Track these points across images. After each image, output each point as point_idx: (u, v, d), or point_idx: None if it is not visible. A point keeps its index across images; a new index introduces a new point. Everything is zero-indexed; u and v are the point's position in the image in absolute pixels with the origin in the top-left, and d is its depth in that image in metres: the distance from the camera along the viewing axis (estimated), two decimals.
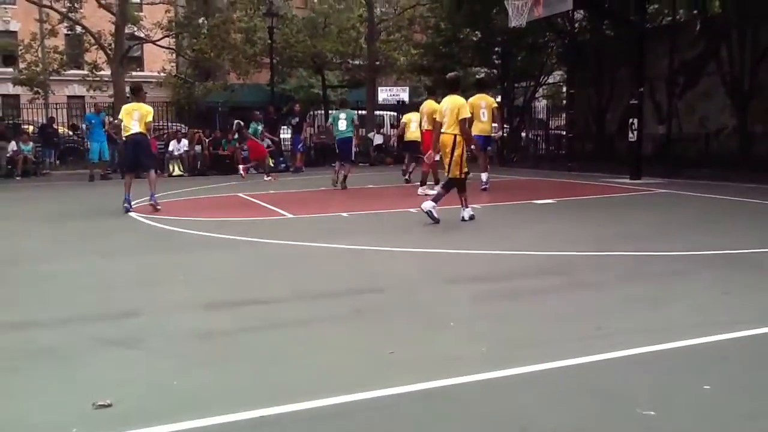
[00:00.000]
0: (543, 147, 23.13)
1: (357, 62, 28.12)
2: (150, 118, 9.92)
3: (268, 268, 6.04)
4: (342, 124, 12.99)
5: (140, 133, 9.78)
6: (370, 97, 25.32)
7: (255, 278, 5.64)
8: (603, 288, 4.99)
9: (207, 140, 19.57)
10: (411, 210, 9.54)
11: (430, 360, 3.50)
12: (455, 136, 8.05)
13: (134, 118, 9.68)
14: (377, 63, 26.28)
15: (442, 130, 8.18)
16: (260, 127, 17.52)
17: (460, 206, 8.31)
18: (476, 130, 10.89)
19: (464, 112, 8.06)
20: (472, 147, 8.70)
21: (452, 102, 8.15)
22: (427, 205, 8.07)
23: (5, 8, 29.72)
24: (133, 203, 10.03)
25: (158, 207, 9.90)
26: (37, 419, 2.88)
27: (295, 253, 6.73)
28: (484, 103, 11.51)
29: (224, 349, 3.78)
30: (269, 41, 22.01)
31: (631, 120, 13.86)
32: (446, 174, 8.37)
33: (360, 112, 27.37)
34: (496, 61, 23.43)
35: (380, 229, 8.27)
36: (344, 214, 9.25)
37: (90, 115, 17.88)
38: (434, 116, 8.95)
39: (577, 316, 4.26)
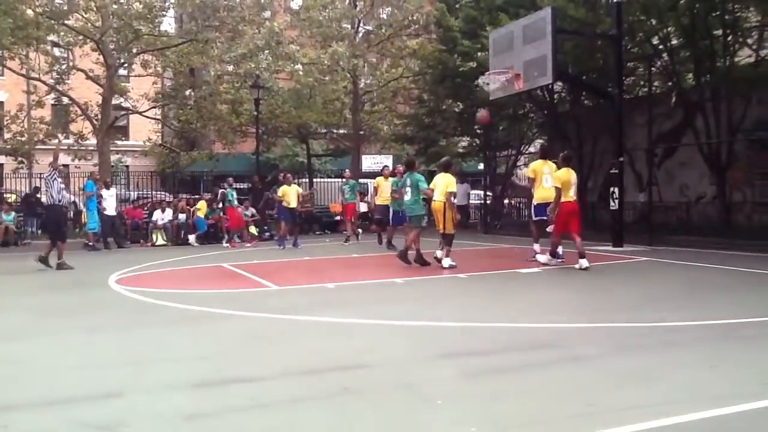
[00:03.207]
0: (526, 214, 23.31)
1: (342, 131, 28.55)
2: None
3: (254, 344, 5.95)
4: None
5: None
6: (354, 165, 25.57)
7: (241, 355, 5.54)
8: (593, 362, 4.96)
9: (191, 209, 19.57)
10: (397, 280, 9.55)
11: None
12: (444, 203, 10.65)
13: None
14: (361, 132, 26.69)
15: (436, 198, 10.81)
16: (234, 193, 17.78)
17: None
18: (539, 197, 11.20)
19: (452, 187, 10.77)
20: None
21: (446, 178, 10.82)
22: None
23: None
24: (117, 274, 9.92)
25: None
26: None
27: (280, 327, 6.66)
28: (548, 168, 11.32)
29: None
30: (255, 112, 22.35)
31: (612, 189, 14.08)
32: (442, 230, 10.74)
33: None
34: (478, 131, 23.88)
35: (366, 300, 8.22)
36: (330, 285, 9.20)
37: (90, 184, 17.34)
38: (557, 183, 10.48)
39: (568, 392, 4.21)
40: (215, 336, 6.29)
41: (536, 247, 11.34)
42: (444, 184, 10.78)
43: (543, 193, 11.09)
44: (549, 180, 11.01)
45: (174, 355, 5.55)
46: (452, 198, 10.72)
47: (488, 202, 22.18)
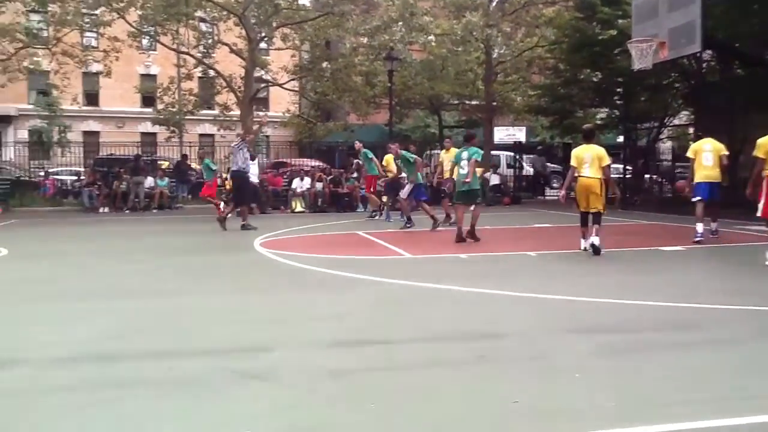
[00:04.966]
0: (669, 190, 22.21)
1: (474, 102, 28.33)
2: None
3: (390, 308, 6.18)
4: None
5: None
6: (486, 137, 25.38)
7: (377, 318, 5.79)
8: (735, 345, 4.75)
9: (327, 178, 20.27)
10: (530, 253, 9.48)
11: (556, 411, 3.48)
12: (600, 179, 9.22)
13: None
14: (494, 104, 26.37)
15: (588, 175, 9.23)
16: (210, 162, 17.05)
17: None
18: (697, 176, 10.50)
19: (606, 159, 9.29)
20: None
21: (595, 150, 9.29)
22: None
23: (147, 54, 32.27)
24: (261, 238, 10.53)
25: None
26: None
27: (415, 293, 6.84)
28: (710, 146, 10.61)
29: (352, 389, 3.92)
30: (388, 84, 22.63)
31: None
32: (591, 209, 9.28)
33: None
34: (618, 102, 22.94)
35: (498, 271, 8.26)
36: (463, 256, 9.30)
37: None
38: (760, 153, 8.59)
39: (710, 374, 4.09)
40: (353, 299, 6.59)
41: (699, 227, 10.34)
42: (595, 156, 9.23)
43: (701, 171, 10.46)
44: (710, 158, 10.41)
45: (315, 315, 5.89)
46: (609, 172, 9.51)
47: (627, 176, 21.33)
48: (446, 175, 13.93)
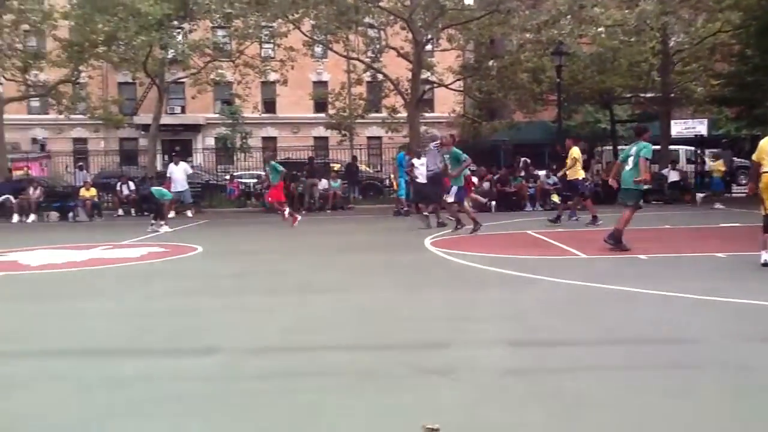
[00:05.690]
0: None
1: (649, 95, 26.84)
2: None
3: (568, 309, 6.01)
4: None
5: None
6: (663, 131, 23.96)
7: (555, 318, 5.65)
8: None
9: (494, 177, 20.11)
10: (719, 255, 8.84)
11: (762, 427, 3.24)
12: None
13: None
14: (671, 95, 24.82)
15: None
16: (279, 166, 16.23)
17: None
18: None
19: None
20: None
21: None
22: None
23: (320, 62, 33.81)
24: (431, 238, 10.73)
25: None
26: None
27: (593, 294, 6.62)
28: None
29: (533, 388, 3.85)
30: (556, 79, 22.03)
31: None
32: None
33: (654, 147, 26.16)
34: None
35: (683, 274, 7.75)
36: (642, 257, 8.86)
37: (401, 156, 18.63)
38: None
39: None
40: (529, 299, 6.50)
41: None
42: None
43: None
44: None
45: (490, 314, 5.89)
46: None
47: None
48: (569, 173, 13.80)
